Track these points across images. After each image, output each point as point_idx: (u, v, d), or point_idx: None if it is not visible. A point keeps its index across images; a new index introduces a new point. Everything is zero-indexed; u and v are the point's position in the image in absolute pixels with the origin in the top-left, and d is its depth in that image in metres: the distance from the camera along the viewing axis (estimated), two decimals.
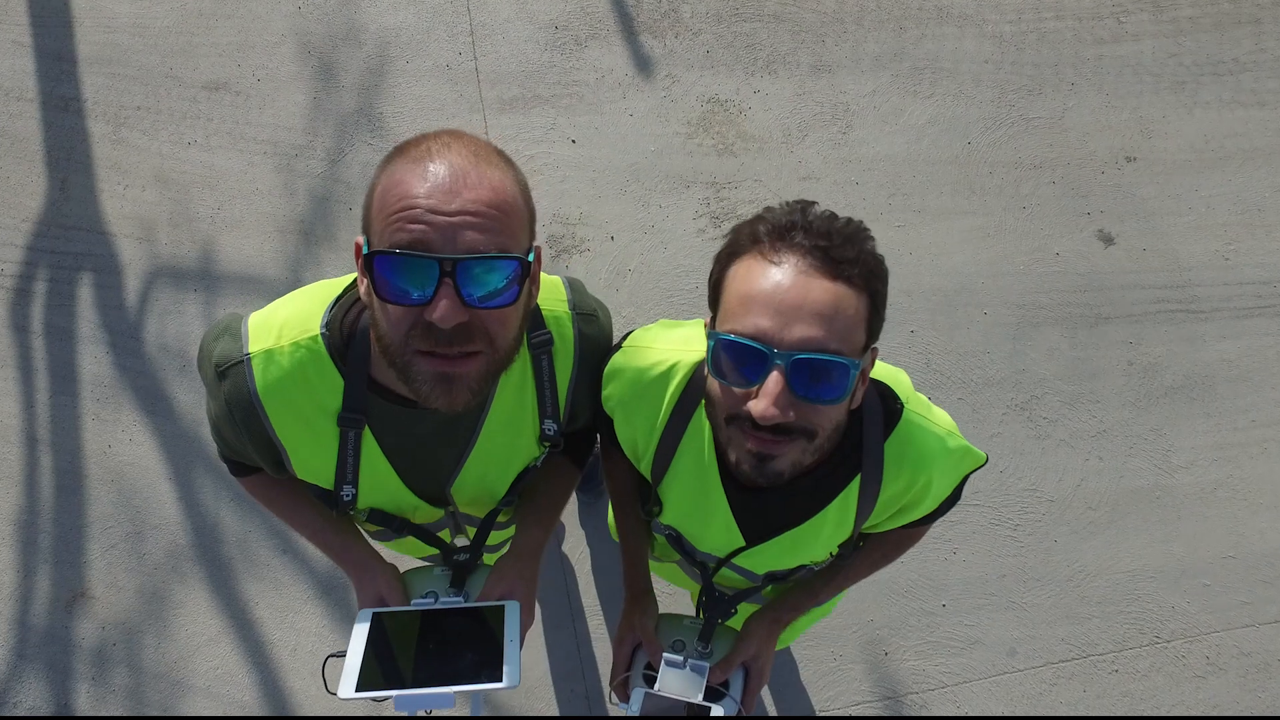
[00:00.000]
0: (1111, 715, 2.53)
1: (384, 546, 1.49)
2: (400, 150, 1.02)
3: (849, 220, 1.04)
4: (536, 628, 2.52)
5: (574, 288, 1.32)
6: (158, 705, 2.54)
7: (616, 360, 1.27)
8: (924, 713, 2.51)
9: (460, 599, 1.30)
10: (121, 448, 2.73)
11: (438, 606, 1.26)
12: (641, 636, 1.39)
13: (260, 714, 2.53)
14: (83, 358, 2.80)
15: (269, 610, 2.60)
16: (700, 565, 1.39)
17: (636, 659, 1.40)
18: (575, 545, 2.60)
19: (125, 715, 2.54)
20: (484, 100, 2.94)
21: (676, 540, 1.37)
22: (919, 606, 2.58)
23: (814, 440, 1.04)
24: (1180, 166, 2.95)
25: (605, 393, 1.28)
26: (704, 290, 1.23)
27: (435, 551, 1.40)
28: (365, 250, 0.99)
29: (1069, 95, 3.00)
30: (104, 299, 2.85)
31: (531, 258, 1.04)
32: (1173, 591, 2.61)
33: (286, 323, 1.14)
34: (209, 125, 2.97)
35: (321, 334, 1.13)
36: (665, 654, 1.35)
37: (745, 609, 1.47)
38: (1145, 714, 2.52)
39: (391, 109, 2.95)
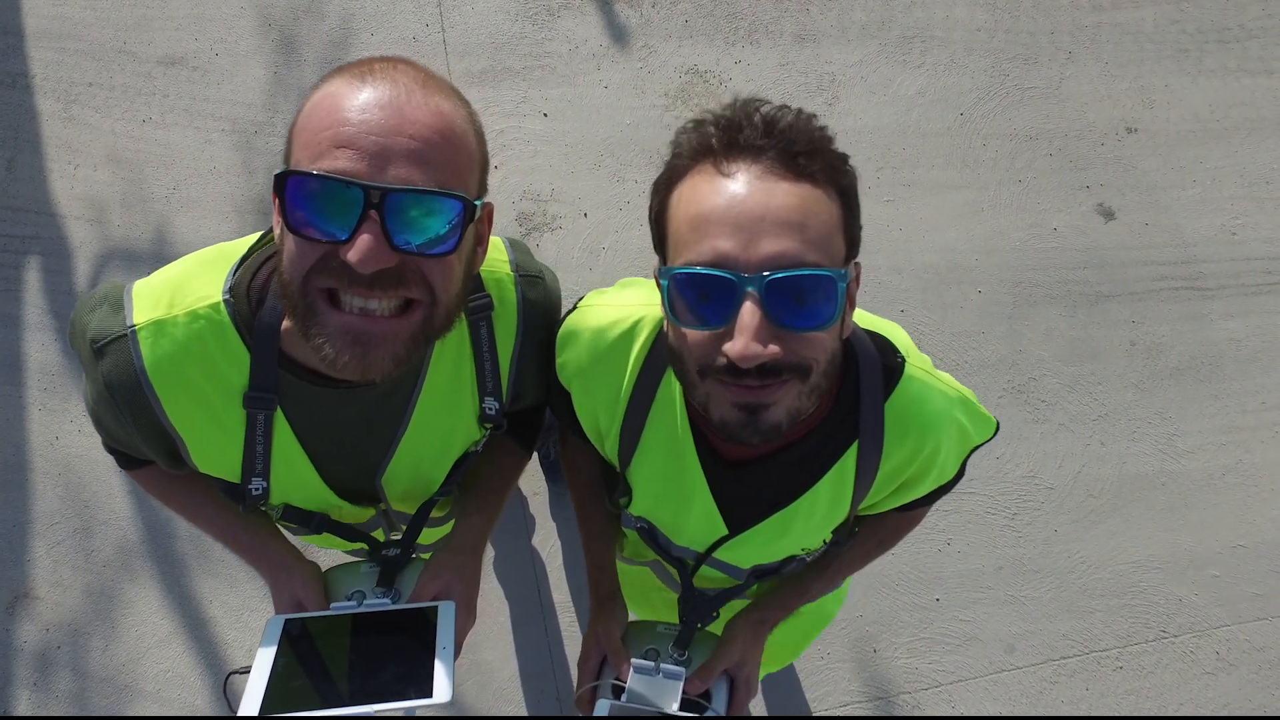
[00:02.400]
0: (1112, 715, 2.38)
1: (305, 541, 1.34)
2: (339, 69, 0.87)
3: (800, 111, 0.88)
4: (505, 626, 2.38)
5: (516, 248, 1.17)
6: (104, 711, 2.40)
7: (571, 322, 1.11)
8: (917, 713, 2.36)
9: (388, 600, 1.14)
10: (70, 439, 2.59)
11: (361, 610, 1.11)
12: (605, 646, 1.21)
13: (218, 715, 2.39)
14: (29, 345, 2.66)
15: (223, 609, 2.46)
16: (678, 563, 1.23)
17: (605, 672, 1.22)
18: (546, 538, 2.46)
19: (133, 715, 2.40)
20: (452, 73, 2.80)
21: (650, 534, 1.21)
22: (911, 601, 2.43)
23: (808, 378, 0.87)
24: (1184, 138, 2.81)
25: (560, 360, 1.12)
26: None
27: (361, 546, 1.24)
28: (282, 171, 0.84)
29: (1066, 64, 2.86)
30: (52, 284, 2.71)
31: (480, 205, 0.89)
32: (1180, 583, 2.47)
33: (180, 289, 0.97)
34: (164, 101, 2.83)
35: (224, 300, 0.96)
36: (635, 662, 1.17)
37: (728, 611, 1.29)
38: (1149, 714, 2.37)
39: None
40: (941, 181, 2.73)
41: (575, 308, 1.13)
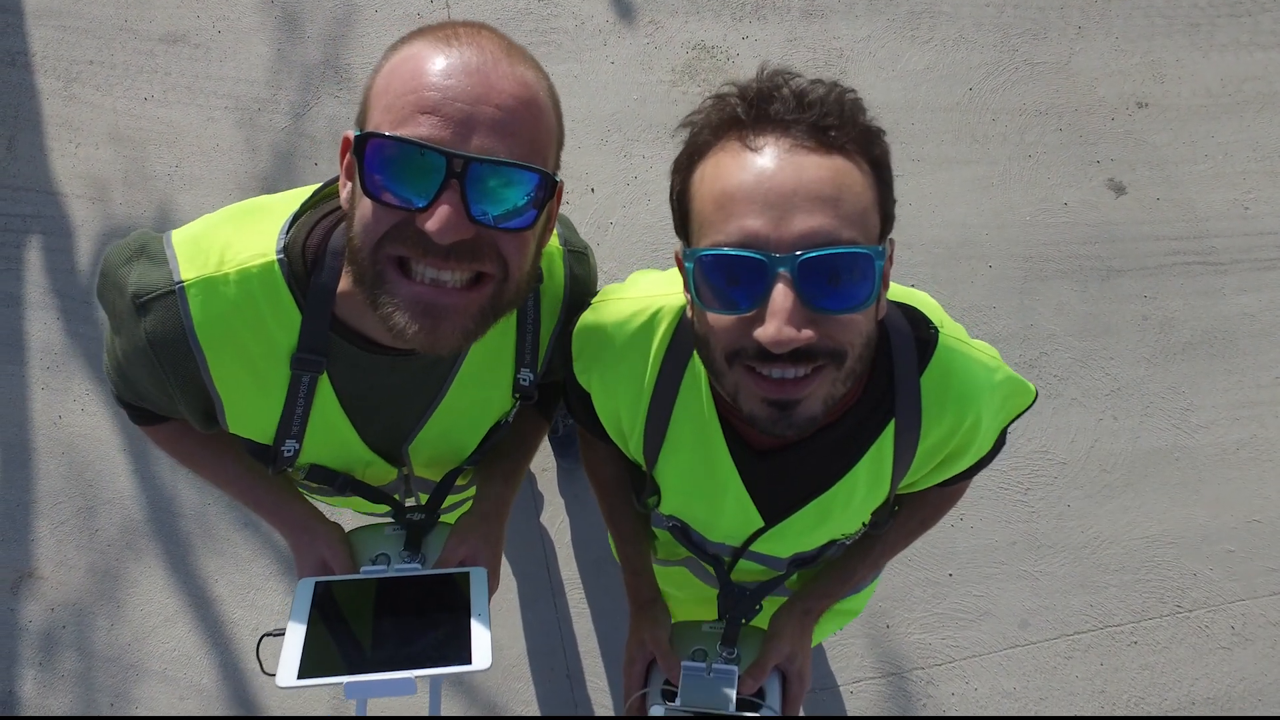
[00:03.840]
0: (1112, 715, 2.36)
1: (323, 502, 1.32)
2: (420, 30, 0.84)
3: (834, 83, 0.84)
4: (513, 604, 2.35)
5: (561, 221, 1.14)
6: (110, 690, 2.37)
7: (586, 320, 1.06)
8: (929, 689, 2.34)
9: (417, 565, 1.12)
10: (73, 418, 2.56)
11: (391, 574, 1.09)
12: (655, 650, 1.17)
13: (221, 708, 2.36)
14: (31, 324, 2.64)
15: (229, 588, 2.43)
16: (714, 559, 1.18)
17: (653, 677, 1.19)
18: (554, 515, 2.44)
19: (136, 716, 2.37)
20: None
21: (683, 532, 1.16)
22: (924, 576, 2.41)
23: (843, 364, 0.83)
24: (1195, 112, 2.79)
25: (577, 360, 1.07)
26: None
27: (384, 509, 1.21)
28: (355, 135, 0.81)
29: (1076, 38, 2.84)
30: (54, 262, 2.69)
31: (558, 179, 0.86)
32: (1194, 558, 2.44)
33: (231, 244, 0.93)
34: (166, 79, 2.80)
35: (278, 259, 0.92)
36: (685, 664, 1.15)
37: (770, 604, 1.25)
38: (1153, 715, 2.35)
39: (359, 60, 2.79)
40: (951, 157, 2.71)
41: (589, 305, 1.09)
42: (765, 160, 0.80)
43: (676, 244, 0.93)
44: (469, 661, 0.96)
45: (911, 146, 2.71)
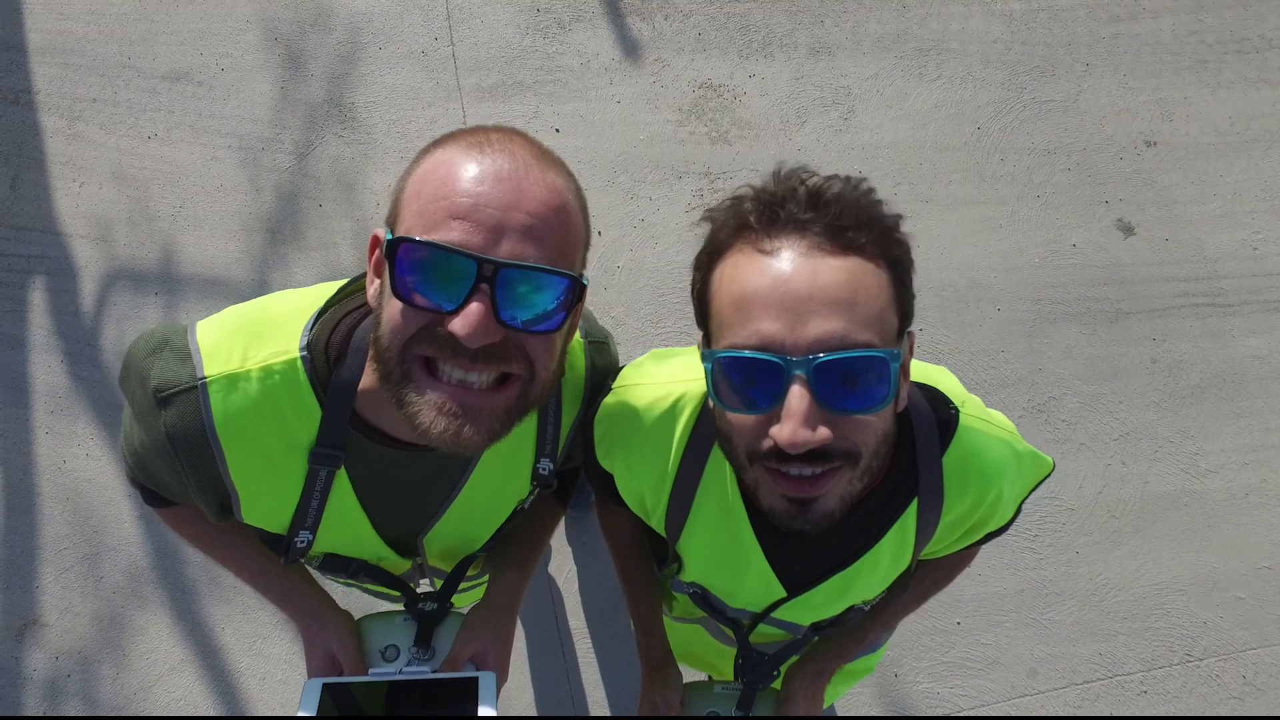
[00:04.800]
0: (1116, 716, 2.36)
1: (335, 582, 1.31)
2: (452, 135, 0.85)
3: (849, 179, 0.85)
4: (522, 653, 2.34)
5: (584, 313, 1.13)
6: None
7: (608, 406, 1.06)
8: None
9: (427, 665, 1.12)
10: (77, 463, 2.55)
11: (400, 678, 1.08)
12: (666, 712, 1.18)
13: (225, 716, 2.36)
14: (35, 367, 2.62)
15: (235, 636, 2.42)
16: (733, 623, 1.18)
17: None
18: (562, 564, 2.43)
19: (148, 716, 2.37)
20: (462, 88, 2.75)
21: (703, 598, 1.17)
22: (932, 625, 2.41)
23: (859, 464, 0.84)
24: (1203, 150, 2.77)
25: (599, 445, 1.08)
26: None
27: (396, 594, 1.21)
28: (387, 237, 0.83)
29: (1084, 76, 2.83)
30: (58, 304, 2.67)
31: (584, 281, 0.87)
32: (1204, 605, 2.44)
33: (255, 340, 0.93)
34: (170, 118, 2.79)
35: (301, 355, 0.93)
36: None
37: (784, 666, 1.26)
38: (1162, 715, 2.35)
39: (364, 99, 2.77)
40: (959, 197, 2.69)
41: (609, 389, 1.09)
42: (782, 264, 0.81)
43: (683, 287, 0.93)
44: None
45: (920, 187, 2.70)
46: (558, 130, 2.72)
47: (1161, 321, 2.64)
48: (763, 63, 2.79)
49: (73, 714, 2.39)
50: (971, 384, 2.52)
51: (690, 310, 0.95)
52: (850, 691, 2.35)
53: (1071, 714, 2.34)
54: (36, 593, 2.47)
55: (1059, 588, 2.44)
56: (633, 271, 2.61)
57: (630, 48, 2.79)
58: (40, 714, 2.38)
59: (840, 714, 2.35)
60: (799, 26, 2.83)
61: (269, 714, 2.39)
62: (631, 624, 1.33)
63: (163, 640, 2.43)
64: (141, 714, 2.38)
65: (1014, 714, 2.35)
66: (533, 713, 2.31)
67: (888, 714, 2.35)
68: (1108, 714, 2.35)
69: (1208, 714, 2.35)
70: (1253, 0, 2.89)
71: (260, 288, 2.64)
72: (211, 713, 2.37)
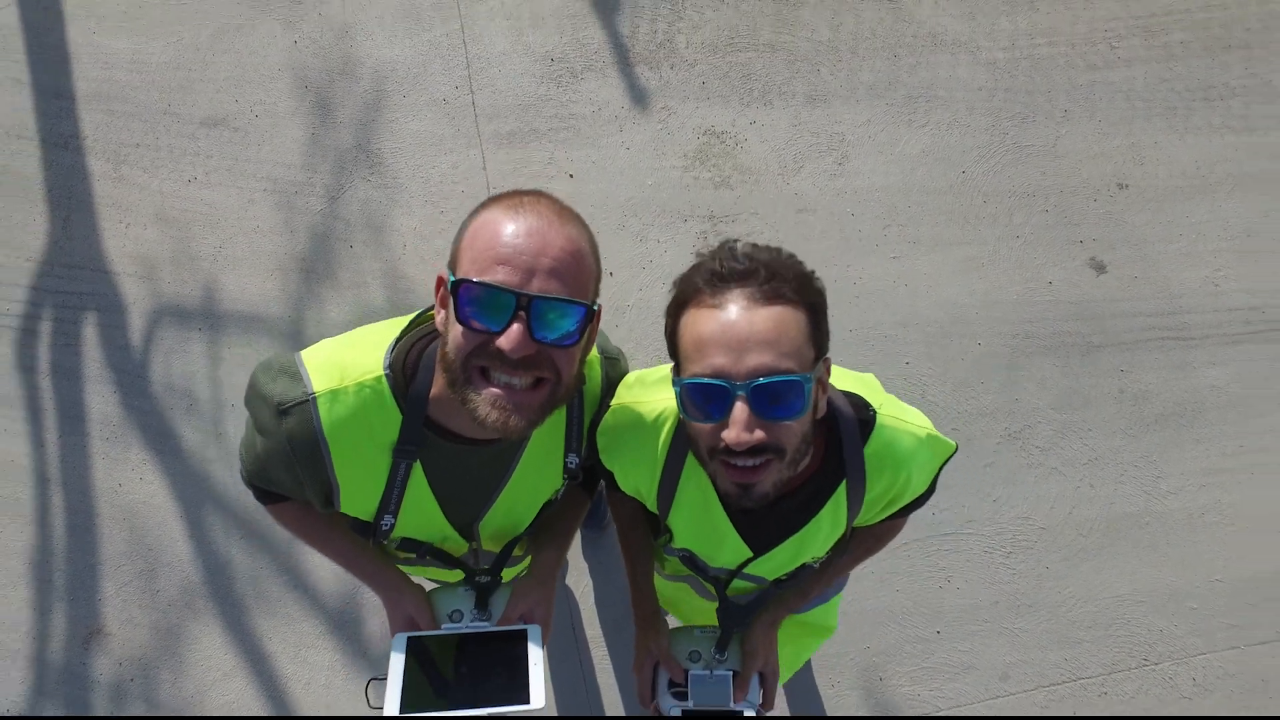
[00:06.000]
0: (1111, 715, 2.61)
1: (406, 571, 1.56)
2: (495, 199, 1.14)
3: (769, 247, 1.14)
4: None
5: (600, 333, 1.41)
6: None
7: (606, 421, 1.36)
8: None
9: (486, 622, 1.40)
10: (132, 486, 2.78)
11: (466, 630, 1.36)
12: (659, 655, 1.50)
13: (228, 715, 2.61)
14: (90, 397, 2.84)
15: (282, 645, 2.67)
16: (714, 580, 1.48)
17: (659, 677, 1.51)
18: (579, 579, 2.66)
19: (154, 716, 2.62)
20: (481, 135, 2.95)
21: (690, 560, 1.47)
22: (914, 633, 2.65)
23: (785, 457, 1.14)
24: (1172, 193, 2.99)
25: (602, 453, 1.37)
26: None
27: (457, 575, 1.49)
28: (451, 279, 1.10)
29: (1062, 122, 3.03)
30: (109, 338, 2.89)
31: (596, 307, 1.15)
32: (1161, 615, 2.69)
33: (350, 364, 1.22)
34: (208, 162, 2.99)
35: (385, 374, 1.21)
36: (692, 671, 1.47)
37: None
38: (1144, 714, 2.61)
39: (390, 144, 2.97)
40: (944, 238, 2.91)
41: (609, 407, 1.36)
42: (726, 314, 1.10)
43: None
44: (528, 702, 1.25)
45: (908, 229, 2.91)
46: (571, 176, 2.92)
47: (1129, 354, 2.86)
48: (763, 110, 2.99)
49: (135, 714, 2.64)
50: (953, 413, 2.76)
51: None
52: (841, 696, 2.60)
53: (1040, 714, 2.59)
54: (99, 605, 2.71)
55: (1030, 600, 2.69)
56: (642, 310, 2.83)
57: (639, 96, 2.99)
58: (104, 714, 2.63)
59: (833, 714, 2.61)
60: (797, 75, 3.03)
61: (313, 714, 2.64)
62: (628, 584, 1.61)
63: (215, 649, 2.67)
64: (196, 715, 2.63)
65: (988, 714, 2.61)
66: (553, 712, 2.56)
67: (874, 714, 2.60)
68: (1072, 714, 2.61)
69: (1162, 715, 2.61)
70: (1218, 51, 3.09)
71: (296, 323, 2.86)
72: (262, 714, 2.62)
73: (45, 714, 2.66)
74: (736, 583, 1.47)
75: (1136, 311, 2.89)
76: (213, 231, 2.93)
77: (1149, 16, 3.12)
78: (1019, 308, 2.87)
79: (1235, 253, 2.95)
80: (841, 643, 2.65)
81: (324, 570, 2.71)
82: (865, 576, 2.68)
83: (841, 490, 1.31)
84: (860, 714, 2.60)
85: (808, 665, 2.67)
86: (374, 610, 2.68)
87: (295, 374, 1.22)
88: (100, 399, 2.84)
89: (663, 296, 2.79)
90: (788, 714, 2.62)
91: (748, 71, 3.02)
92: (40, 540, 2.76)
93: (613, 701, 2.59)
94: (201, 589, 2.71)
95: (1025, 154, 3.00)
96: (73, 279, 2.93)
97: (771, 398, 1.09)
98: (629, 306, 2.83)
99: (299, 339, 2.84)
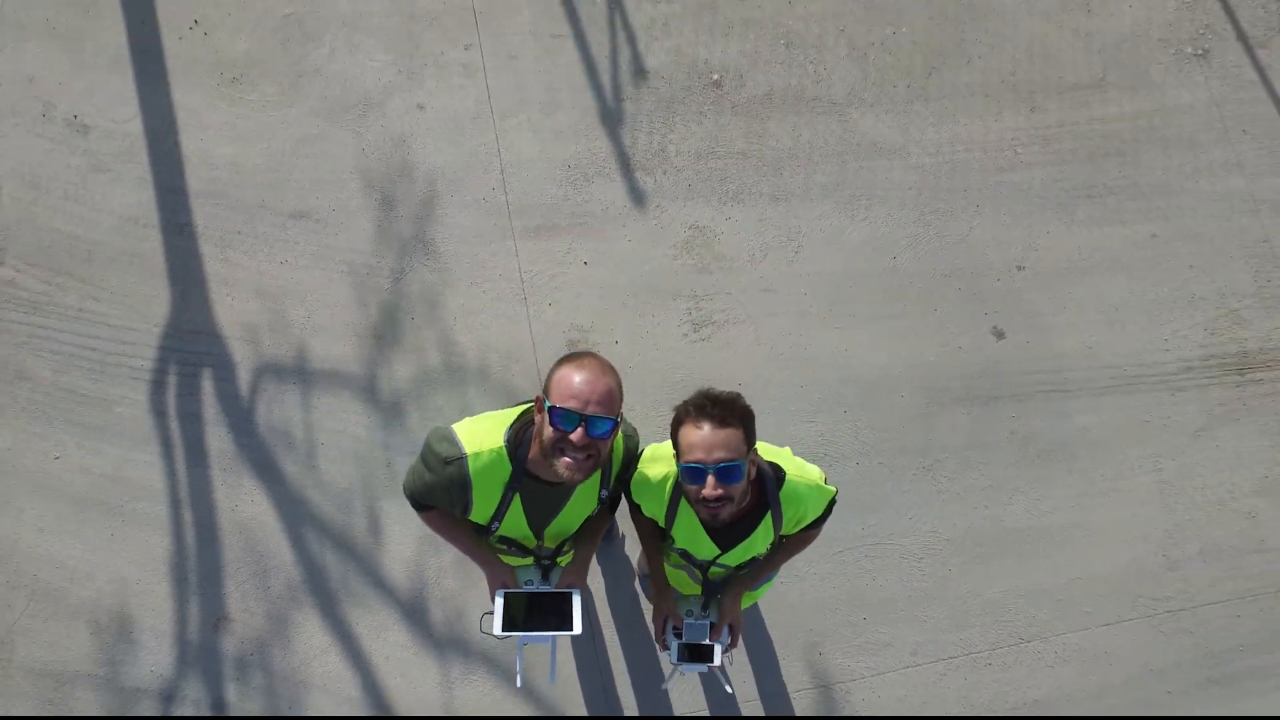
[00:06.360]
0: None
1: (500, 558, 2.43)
2: (567, 358, 2.00)
3: (727, 393, 1.99)
4: (566, 640, 3.43)
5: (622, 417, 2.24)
6: (287, 698, 3.46)
7: (637, 479, 2.22)
8: (848, 696, 3.44)
9: (547, 586, 2.30)
10: (245, 507, 3.59)
11: (535, 590, 2.26)
12: (668, 611, 2.44)
13: (364, 710, 3.46)
14: (210, 436, 3.65)
15: (365, 629, 3.50)
16: (700, 566, 2.35)
17: (667, 626, 2.45)
18: (591, 577, 3.50)
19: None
20: (514, 229, 3.73)
21: (684, 554, 2.33)
22: (846, 619, 3.50)
23: (734, 501, 1.99)
24: (1060, 274, 3.78)
25: (635, 496, 2.25)
26: (686, 380, 2.12)
27: (529, 560, 2.37)
28: (547, 404, 1.94)
29: (975, 215, 3.81)
30: (222, 390, 3.68)
31: (619, 419, 2.00)
32: (1034, 605, 3.53)
33: (484, 437, 2.07)
34: (296, 247, 3.76)
35: (504, 445, 2.06)
36: (686, 620, 2.41)
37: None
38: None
39: (441, 235, 3.75)
40: (878, 313, 3.71)
41: (639, 462, 2.22)
42: (702, 432, 1.94)
43: (676, 382, 1.99)
44: (572, 629, 2.16)
45: (849, 305, 3.71)
46: (586, 263, 3.71)
47: (1020, 404, 3.68)
48: (736, 208, 3.77)
49: (257, 681, 3.48)
50: (881, 451, 3.58)
51: (679, 394, 2.23)
52: (790, 664, 3.45)
53: (937, 679, 3.45)
54: (224, 598, 3.54)
55: (936, 595, 3.52)
56: (642, 371, 3.63)
57: (638, 197, 3.76)
58: (235, 680, 3.47)
59: (788, 698, 3.46)
60: (763, 178, 3.80)
61: (391, 681, 3.47)
62: (649, 569, 2.52)
63: (314, 631, 3.51)
64: (306, 682, 3.47)
65: (901, 680, 3.46)
66: (575, 680, 3.40)
67: (814, 682, 3.45)
68: (964, 679, 3.46)
69: (1031, 679, 3.47)
70: (1099, 157, 3.86)
71: (370, 379, 3.65)
72: (352, 680, 3.46)
73: (185, 683, 3.50)
74: (713, 570, 2.33)
75: (1027, 370, 3.71)
76: (301, 304, 3.72)
77: (1045, 128, 3.90)
78: (935, 368, 3.68)
79: (1106, 323, 3.75)
80: (791, 625, 3.49)
81: (397, 572, 3.54)
82: (809, 575, 3.51)
83: (768, 517, 2.17)
84: (804, 685, 3.45)
85: (768, 640, 3.51)
86: (436, 602, 3.51)
87: (453, 441, 2.06)
88: (217, 438, 3.64)
89: (660, 361, 3.61)
90: (783, 715, 3.47)
91: (724, 175, 3.80)
92: (177, 547, 3.58)
93: (620, 671, 3.44)
94: (302, 585, 3.54)
95: (944, 242, 3.78)
96: (191, 341, 3.72)
97: (725, 473, 1.93)
98: (631, 368, 3.63)
99: (373, 392, 3.65)
